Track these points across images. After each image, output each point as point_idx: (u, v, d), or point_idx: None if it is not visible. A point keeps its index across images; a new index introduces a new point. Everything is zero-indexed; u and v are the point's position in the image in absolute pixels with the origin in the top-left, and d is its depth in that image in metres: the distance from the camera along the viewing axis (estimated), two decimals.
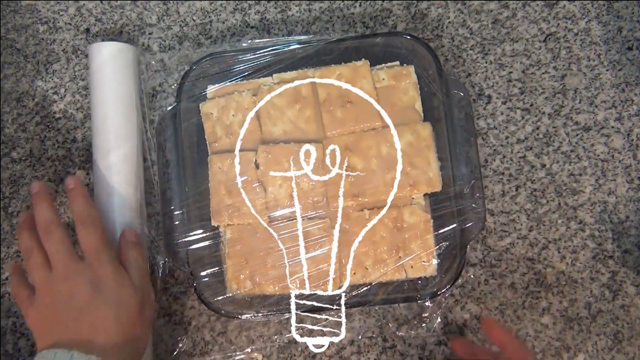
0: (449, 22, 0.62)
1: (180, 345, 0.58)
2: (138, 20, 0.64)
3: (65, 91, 0.63)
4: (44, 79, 0.63)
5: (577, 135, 0.60)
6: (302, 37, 0.58)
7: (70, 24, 0.64)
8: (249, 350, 0.58)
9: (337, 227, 0.54)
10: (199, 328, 0.59)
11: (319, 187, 0.55)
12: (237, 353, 0.58)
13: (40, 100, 0.63)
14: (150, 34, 0.64)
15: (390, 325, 0.58)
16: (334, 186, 0.54)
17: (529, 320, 0.58)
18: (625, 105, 0.60)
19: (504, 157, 0.60)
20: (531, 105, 0.61)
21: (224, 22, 0.63)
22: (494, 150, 0.61)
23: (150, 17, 0.64)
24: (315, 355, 0.58)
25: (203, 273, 0.55)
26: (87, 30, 0.64)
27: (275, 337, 0.58)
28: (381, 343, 0.58)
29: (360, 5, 0.63)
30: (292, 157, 0.55)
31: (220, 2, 0.64)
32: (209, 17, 0.64)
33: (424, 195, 0.55)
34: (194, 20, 0.64)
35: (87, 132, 0.62)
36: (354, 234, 0.54)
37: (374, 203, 0.55)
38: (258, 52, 0.57)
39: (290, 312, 0.54)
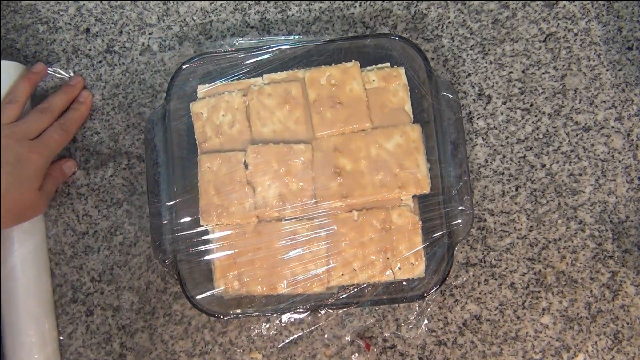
0: (449, 22, 0.62)
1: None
2: (138, 20, 0.64)
3: None
4: (44, 79, 0.63)
5: (577, 135, 0.60)
6: (293, 38, 0.59)
7: (70, 24, 0.64)
8: (248, 350, 0.58)
9: (326, 228, 0.54)
10: (199, 328, 0.59)
11: (308, 188, 0.55)
12: (237, 353, 0.59)
13: (40, 100, 0.63)
14: (150, 34, 0.64)
15: (390, 325, 0.58)
16: (322, 187, 0.54)
17: (529, 320, 0.58)
18: (625, 105, 0.60)
19: (504, 157, 0.60)
20: (531, 105, 0.61)
21: (224, 22, 0.63)
22: (494, 150, 0.61)
23: (150, 17, 0.64)
24: (315, 355, 0.58)
25: (191, 273, 0.55)
26: (87, 30, 0.64)
27: (275, 337, 0.58)
28: (381, 343, 0.58)
29: (360, 5, 0.63)
30: (282, 158, 0.55)
31: (220, 2, 0.64)
32: (209, 17, 0.64)
33: (413, 196, 0.55)
34: (194, 20, 0.64)
35: (87, 132, 0.62)
36: (342, 235, 0.54)
37: (363, 204, 0.55)
38: (249, 53, 0.57)
39: (278, 312, 0.54)
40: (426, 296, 0.53)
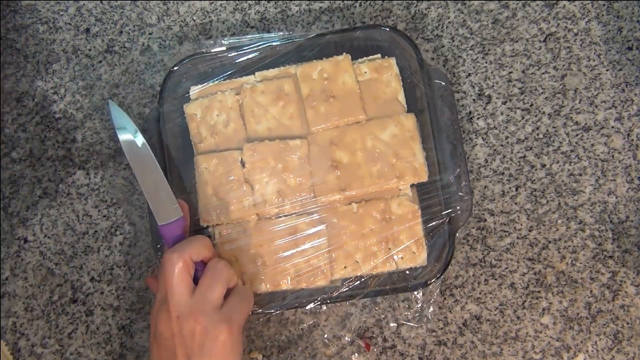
0: (449, 22, 0.62)
1: None
2: (138, 20, 0.64)
3: (65, 91, 0.63)
4: (44, 79, 0.63)
5: (577, 135, 0.60)
6: (282, 34, 0.58)
7: (70, 24, 0.64)
8: (248, 350, 0.58)
9: (326, 221, 0.54)
10: None
11: (306, 183, 0.55)
12: None
13: (40, 100, 0.63)
14: (150, 34, 0.64)
15: (390, 325, 0.58)
16: (320, 181, 0.54)
17: (529, 320, 0.58)
18: (625, 105, 0.60)
19: (504, 157, 0.60)
20: (531, 105, 0.61)
21: (224, 22, 0.63)
22: (494, 150, 0.61)
23: (150, 17, 0.64)
24: (315, 355, 0.58)
25: None
26: (87, 30, 0.64)
27: (276, 337, 0.58)
28: (381, 343, 0.58)
29: (360, 5, 0.63)
30: (278, 154, 0.55)
31: (220, 2, 0.64)
32: (209, 17, 0.64)
33: (411, 185, 0.55)
34: (194, 20, 0.64)
35: (87, 132, 0.62)
36: (342, 228, 0.54)
37: (362, 196, 0.55)
38: (239, 51, 0.57)
39: (283, 309, 0.54)
40: (430, 284, 0.53)
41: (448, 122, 0.55)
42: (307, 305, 0.54)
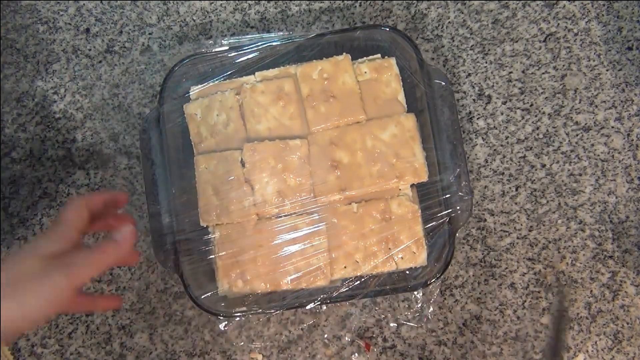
0: (449, 22, 0.62)
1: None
2: (138, 20, 0.64)
3: (65, 91, 0.63)
4: (44, 79, 0.63)
5: (577, 135, 0.60)
6: (282, 34, 0.58)
7: (70, 24, 0.64)
8: (248, 350, 0.58)
9: (326, 221, 0.54)
10: (199, 328, 0.59)
11: (306, 183, 0.55)
12: (237, 353, 0.59)
13: (40, 100, 0.63)
14: (150, 34, 0.64)
15: (390, 325, 0.58)
16: (320, 181, 0.54)
17: (529, 320, 0.58)
18: (625, 105, 0.60)
19: (504, 157, 0.60)
20: (531, 105, 0.61)
21: (224, 22, 0.63)
22: (494, 150, 0.61)
23: (150, 17, 0.64)
24: (315, 355, 0.58)
25: (194, 273, 0.55)
26: (87, 30, 0.64)
27: (276, 337, 0.58)
28: (381, 343, 0.58)
29: (360, 5, 0.63)
30: (278, 154, 0.55)
31: (220, 2, 0.64)
32: (209, 17, 0.64)
33: (411, 185, 0.55)
34: (194, 20, 0.64)
35: (87, 132, 0.62)
36: (342, 228, 0.54)
37: (362, 196, 0.55)
38: (239, 51, 0.57)
39: (283, 309, 0.54)
40: (430, 284, 0.53)
41: (448, 122, 0.55)
42: (307, 305, 0.53)
